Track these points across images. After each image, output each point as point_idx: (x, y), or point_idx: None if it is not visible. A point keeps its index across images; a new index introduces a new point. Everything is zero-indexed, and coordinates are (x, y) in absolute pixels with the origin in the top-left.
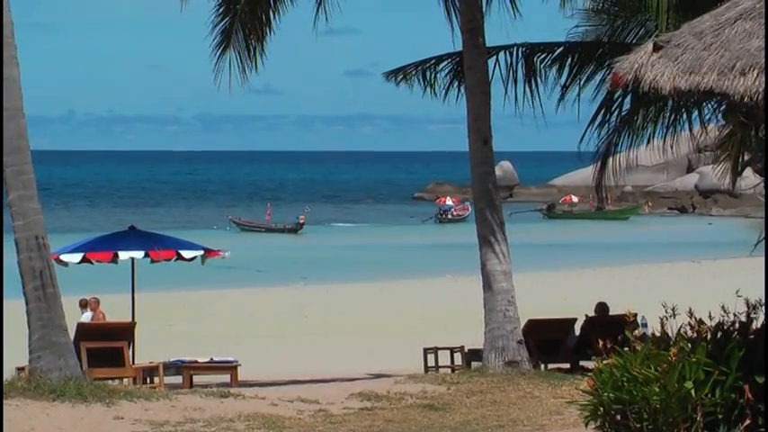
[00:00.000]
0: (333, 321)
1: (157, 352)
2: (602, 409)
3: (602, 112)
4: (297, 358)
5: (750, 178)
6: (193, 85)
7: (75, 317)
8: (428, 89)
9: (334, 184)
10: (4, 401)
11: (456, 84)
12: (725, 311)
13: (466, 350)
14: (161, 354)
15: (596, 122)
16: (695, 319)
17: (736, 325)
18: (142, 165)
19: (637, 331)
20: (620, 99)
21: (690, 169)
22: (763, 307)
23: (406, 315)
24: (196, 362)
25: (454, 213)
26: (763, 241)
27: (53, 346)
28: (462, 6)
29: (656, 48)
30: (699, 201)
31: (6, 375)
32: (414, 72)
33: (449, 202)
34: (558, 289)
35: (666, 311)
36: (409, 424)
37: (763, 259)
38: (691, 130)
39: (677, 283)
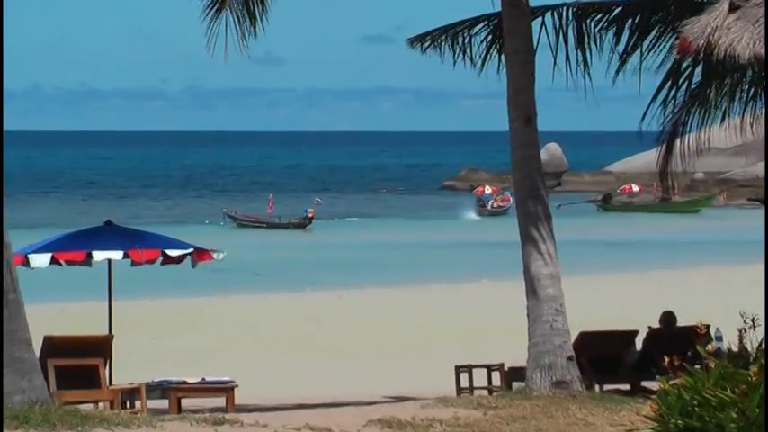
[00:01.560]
0: (347, 334)
1: (139, 371)
2: None
3: (669, 84)
4: (304, 378)
5: None
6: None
7: (41, 328)
8: (461, 58)
9: (348, 172)
10: None
11: (494, 51)
12: None
13: (506, 368)
14: (143, 373)
15: (661, 97)
16: None
17: None
18: (120, 148)
19: (710, 346)
20: (689, 69)
21: None
22: None
23: (435, 326)
24: (185, 382)
25: (493, 205)
26: None
27: (15, 364)
28: None
29: (733, 8)
30: None
31: None
32: (443, 37)
33: (487, 191)
34: (616, 295)
35: (745, 322)
36: None
37: None
38: None
39: (758, 289)
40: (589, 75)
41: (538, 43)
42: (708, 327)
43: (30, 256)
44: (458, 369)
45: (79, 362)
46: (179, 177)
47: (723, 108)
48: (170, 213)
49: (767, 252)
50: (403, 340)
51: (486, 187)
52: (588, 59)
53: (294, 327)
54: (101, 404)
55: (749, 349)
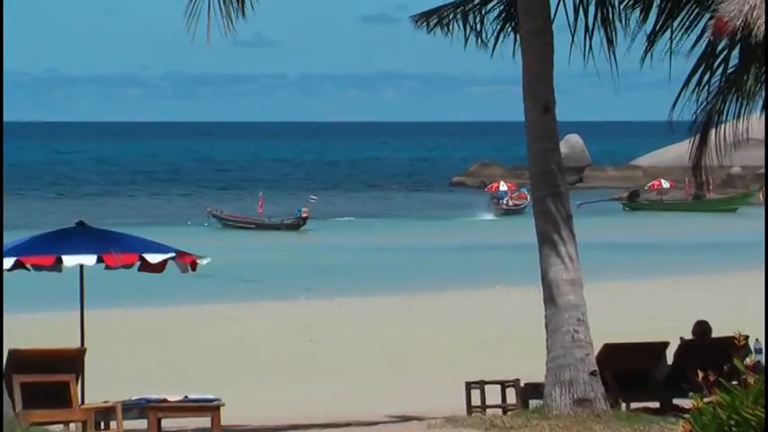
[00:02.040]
0: (346, 346)
1: (115, 388)
2: None
3: (702, 69)
4: (298, 396)
5: None
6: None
7: (6, 341)
8: (471, 39)
9: (347, 167)
10: None
11: (508, 31)
12: None
13: (522, 384)
14: (119, 390)
15: (693, 83)
16: None
17: None
18: (93, 140)
19: (749, 359)
20: (725, 52)
21: None
22: None
23: (443, 338)
24: (166, 401)
25: (508, 203)
26: None
27: None
28: None
29: None
30: None
31: None
32: (452, 15)
33: (503, 187)
34: (644, 303)
35: None
36: None
37: None
38: None
39: None
40: (614, 57)
41: (554, 20)
42: (746, 338)
43: None
44: (468, 385)
45: (48, 378)
46: (159, 173)
47: (762, 95)
48: (149, 213)
49: (767, 253)
50: (407, 353)
51: (502, 183)
52: (613, 40)
53: (287, 339)
54: (72, 425)
55: None
